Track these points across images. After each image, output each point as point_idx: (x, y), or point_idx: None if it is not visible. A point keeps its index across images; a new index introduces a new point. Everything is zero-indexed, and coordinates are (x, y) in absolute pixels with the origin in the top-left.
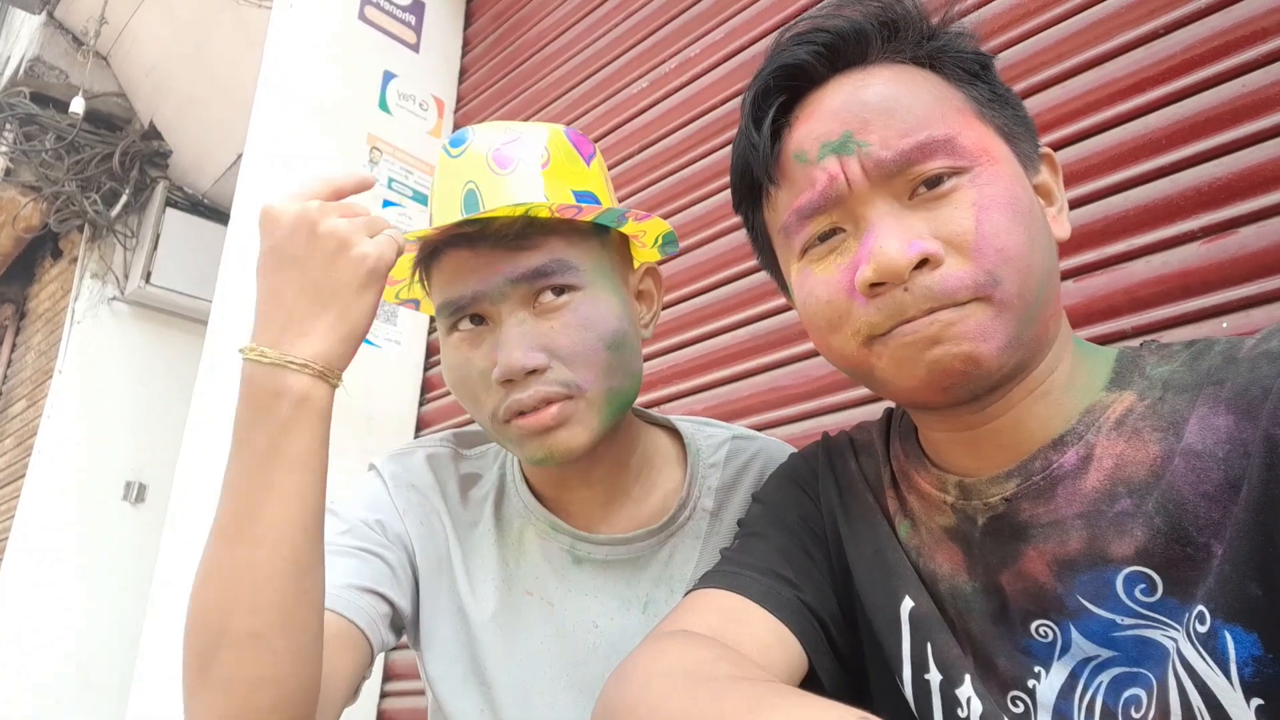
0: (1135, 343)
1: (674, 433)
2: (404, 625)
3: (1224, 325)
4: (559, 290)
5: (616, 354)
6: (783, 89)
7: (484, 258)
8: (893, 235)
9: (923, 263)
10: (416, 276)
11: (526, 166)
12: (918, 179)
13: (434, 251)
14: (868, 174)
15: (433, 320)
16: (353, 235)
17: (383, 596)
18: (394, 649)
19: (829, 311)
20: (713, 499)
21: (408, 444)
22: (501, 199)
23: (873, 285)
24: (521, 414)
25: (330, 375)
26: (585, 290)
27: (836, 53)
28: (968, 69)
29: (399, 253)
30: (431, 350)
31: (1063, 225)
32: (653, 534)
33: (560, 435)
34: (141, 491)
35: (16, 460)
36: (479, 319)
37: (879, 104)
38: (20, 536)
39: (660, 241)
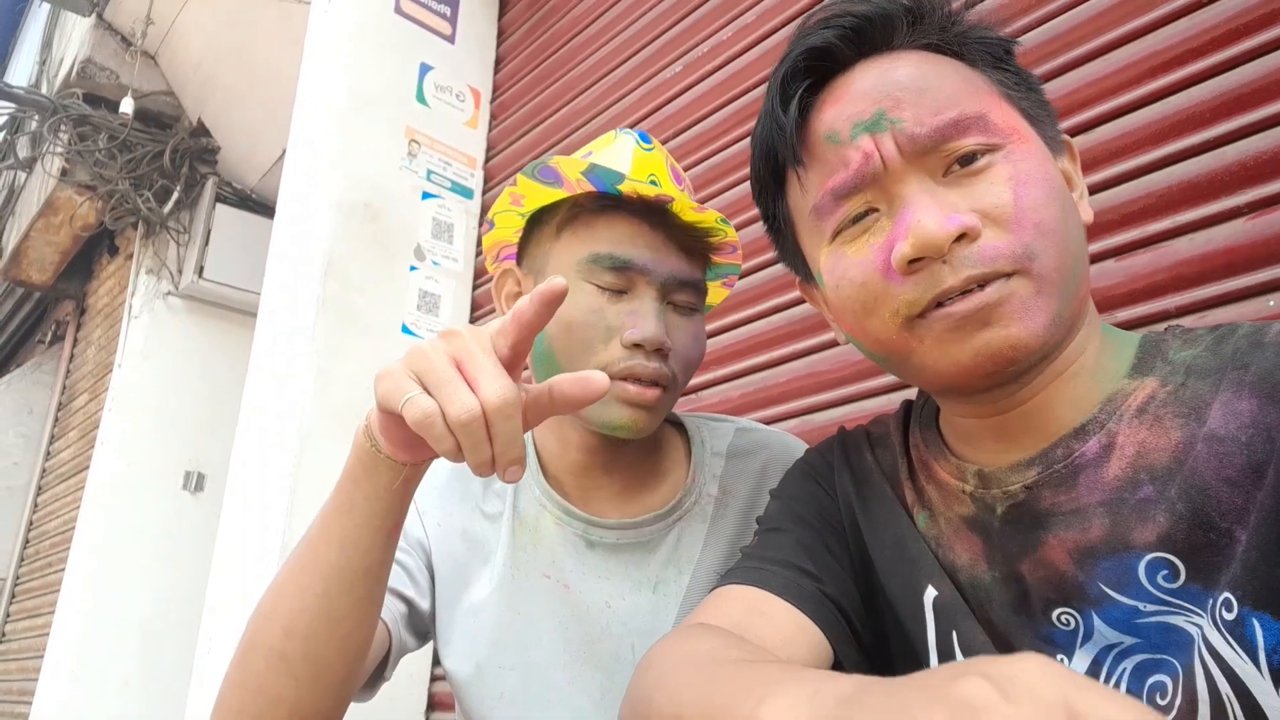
0: (1160, 327)
1: (680, 427)
2: (424, 626)
3: (1270, 304)
4: (691, 307)
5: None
6: (810, 72)
7: (661, 241)
8: (930, 210)
9: (961, 236)
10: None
11: (690, 196)
12: (952, 156)
13: (605, 206)
14: (901, 150)
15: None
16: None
17: (400, 596)
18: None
19: (863, 294)
20: (717, 486)
21: None
22: (686, 207)
23: (911, 261)
24: (632, 380)
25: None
26: (700, 315)
27: (863, 36)
28: (992, 54)
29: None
30: None
31: (1085, 210)
32: (660, 519)
33: (647, 416)
34: (200, 481)
35: (81, 453)
36: (622, 285)
37: (910, 83)
38: (86, 526)
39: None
